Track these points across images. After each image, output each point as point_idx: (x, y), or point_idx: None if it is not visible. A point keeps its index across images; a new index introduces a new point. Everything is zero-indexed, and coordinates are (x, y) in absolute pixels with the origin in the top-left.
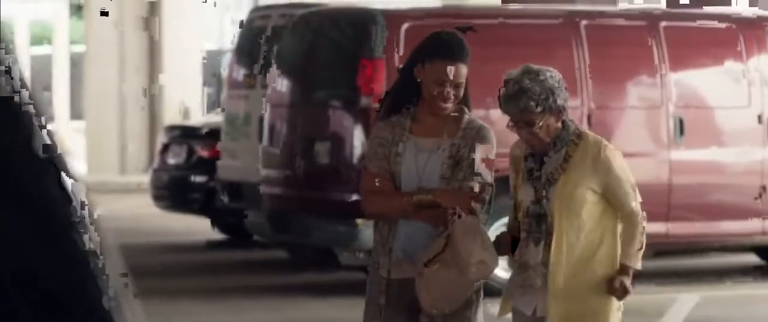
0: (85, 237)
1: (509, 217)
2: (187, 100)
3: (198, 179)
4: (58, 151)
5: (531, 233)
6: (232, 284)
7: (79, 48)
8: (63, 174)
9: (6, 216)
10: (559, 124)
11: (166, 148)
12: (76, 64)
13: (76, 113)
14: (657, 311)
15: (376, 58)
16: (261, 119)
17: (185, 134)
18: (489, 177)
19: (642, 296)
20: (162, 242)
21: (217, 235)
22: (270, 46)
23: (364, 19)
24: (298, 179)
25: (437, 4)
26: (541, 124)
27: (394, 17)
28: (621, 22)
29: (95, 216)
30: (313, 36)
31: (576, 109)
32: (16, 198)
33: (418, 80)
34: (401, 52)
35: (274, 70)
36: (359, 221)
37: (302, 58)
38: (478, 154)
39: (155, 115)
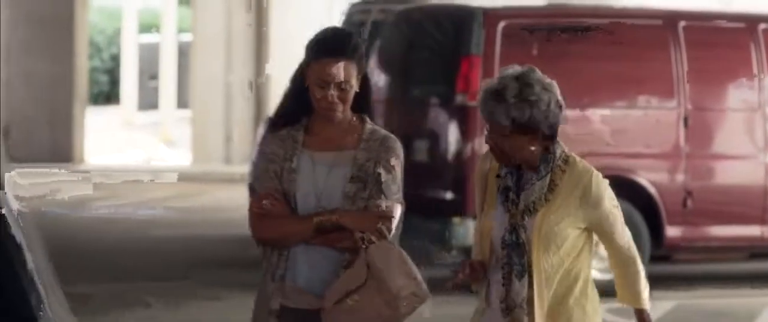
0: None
1: (474, 242)
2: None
3: None
4: None
5: (512, 266)
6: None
7: (186, 37)
8: None
9: None
10: (534, 148)
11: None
12: (184, 52)
13: (182, 102)
14: (749, 314)
15: (473, 56)
16: None
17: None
18: (398, 194)
19: (735, 299)
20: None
21: None
22: (369, 42)
23: (462, 16)
24: None
25: (542, 2)
26: (510, 140)
27: (491, 15)
28: (720, 23)
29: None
30: (411, 32)
31: (673, 110)
32: None
33: (307, 85)
34: (498, 51)
35: (372, 65)
36: (456, 219)
37: (400, 54)
38: (383, 168)
39: (261, 104)
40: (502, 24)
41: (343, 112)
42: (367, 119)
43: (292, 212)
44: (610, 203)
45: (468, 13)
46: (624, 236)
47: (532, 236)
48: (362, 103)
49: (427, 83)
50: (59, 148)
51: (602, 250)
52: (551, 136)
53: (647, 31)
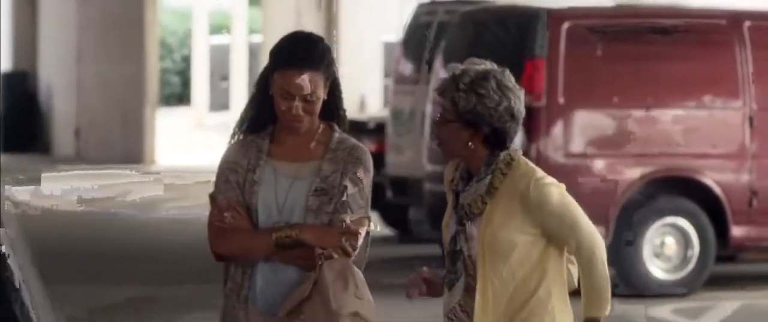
0: None
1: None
2: (364, 92)
3: None
4: None
5: (452, 273)
6: (391, 280)
7: (257, 37)
8: None
9: None
10: (474, 146)
11: None
12: (254, 53)
13: None
14: None
15: (537, 58)
16: (425, 115)
17: (352, 128)
18: (365, 208)
19: None
20: None
21: (385, 230)
22: (435, 42)
23: (526, 17)
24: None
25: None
26: (447, 128)
27: (555, 16)
28: None
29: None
30: (476, 33)
31: (737, 110)
32: None
33: (271, 93)
34: (562, 52)
35: (438, 65)
36: None
37: (466, 54)
38: (350, 181)
39: None
40: (566, 25)
41: (309, 123)
42: (336, 128)
43: (254, 225)
44: (560, 204)
45: (532, 14)
46: (573, 235)
47: (476, 245)
48: (331, 110)
49: None
50: (130, 150)
51: (668, 251)
52: (496, 141)
53: (712, 32)
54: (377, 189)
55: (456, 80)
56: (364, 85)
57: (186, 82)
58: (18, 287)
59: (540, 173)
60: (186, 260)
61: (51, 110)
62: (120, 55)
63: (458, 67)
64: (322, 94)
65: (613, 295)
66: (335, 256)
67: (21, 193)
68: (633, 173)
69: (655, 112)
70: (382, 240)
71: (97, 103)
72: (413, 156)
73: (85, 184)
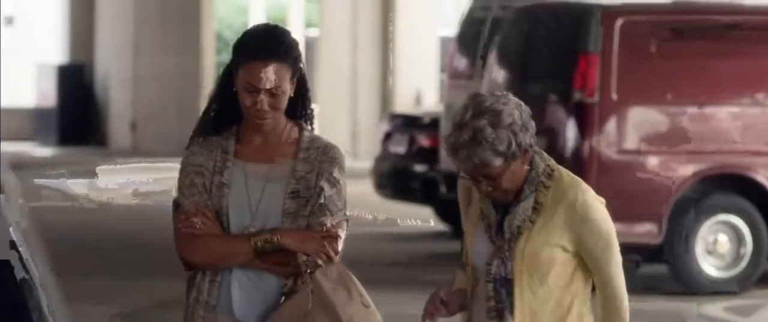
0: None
1: (461, 264)
2: (421, 86)
3: (419, 168)
4: None
5: (500, 302)
6: (443, 275)
7: (313, 31)
8: None
9: None
10: (527, 166)
11: (388, 136)
12: (311, 47)
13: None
14: None
15: (591, 54)
16: None
17: (407, 123)
18: (344, 209)
19: None
20: (387, 231)
21: (439, 225)
22: (489, 37)
23: (580, 13)
24: None
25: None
26: (506, 175)
27: (609, 12)
28: None
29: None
30: (530, 29)
31: None
32: None
33: (235, 89)
34: (616, 48)
35: (492, 61)
36: None
37: (520, 50)
38: (327, 182)
39: (387, 99)
40: (620, 21)
41: (274, 119)
42: (305, 126)
43: (224, 231)
44: (603, 224)
45: (586, 10)
46: (610, 265)
47: (514, 265)
48: (299, 108)
49: (546, 80)
50: (186, 143)
51: (720, 248)
52: (533, 158)
53: (767, 28)
54: (431, 184)
55: (474, 133)
56: (420, 80)
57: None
58: (34, 287)
59: (585, 185)
60: None
61: (107, 103)
62: (177, 48)
63: (461, 119)
64: (288, 88)
65: (666, 293)
66: (319, 262)
67: (77, 186)
68: (686, 170)
69: (709, 109)
70: (436, 235)
71: (153, 95)
72: None
73: (141, 177)
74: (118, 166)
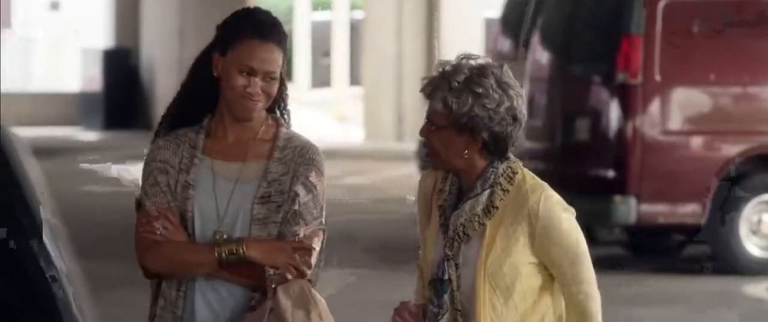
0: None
1: (417, 276)
2: None
3: None
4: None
5: (436, 306)
6: None
7: (358, 14)
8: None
9: None
10: (483, 160)
11: None
12: (356, 29)
13: (355, 79)
14: None
15: (633, 35)
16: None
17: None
18: (320, 218)
19: None
20: None
21: None
22: (533, 19)
23: None
24: (555, 153)
25: None
26: (439, 134)
27: None
28: None
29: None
30: (573, 10)
31: None
32: None
33: (216, 76)
34: (659, 29)
35: (535, 42)
36: (617, 197)
37: (563, 31)
38: (303, 186)
39: None
40: (663, 2)
41: (261, 110)
42: (283, 122)
43: (189, 236)
44: (569, 234)
45: None
46: (578, 280)
47: (475, 277)
48: (278, 103)
49: (589, 61)
50: None
51: (764, 228)
52: (496, 149)
53: None
54: None
55: (447, 78)
56: None
57: (288, 59)
58: (60, 280)
59: (550, 190)
60: None
61: (152, 87)
62: None
63: (449, 63)
64: (279, 74)
65: (709, 273)
66: (289, 276)
67: (122, 170)
68: (730, 150)
69: (752, 89)
70: None
71: None
72: None
73: None
74: None
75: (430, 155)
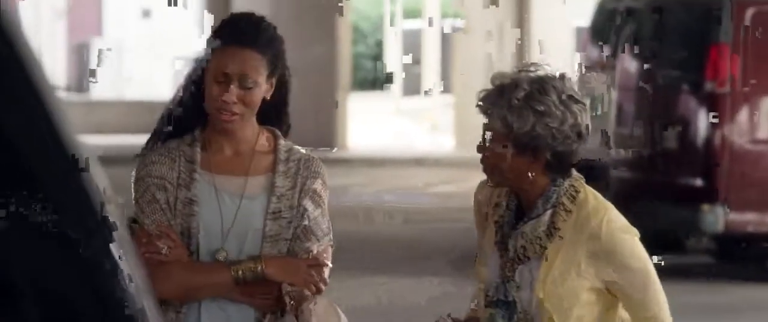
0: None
1: (476, 290)
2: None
3: None
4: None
5: None
6: None
7: (449, 22)
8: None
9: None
10: (545, 178)
11: None
12: (447, 37)
13: (446, 87)
14: None
15: (722, 43)
16: (611, 100)
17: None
18: (329, 233)
19: None
20: None
21: None
22: (621, 28)
23: (711, 4)
24: (644, 162)
25: None
26: (501, 153)
27: (740, 3)
28: None
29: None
30: (662, 19)
31: None
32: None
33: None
34: (747, 38)
35: (624, 51)
36: (705, 206)
37: (651, 40)
38: (311, 200)
39: None
40: (751, 11)
41: (242, 119)
42: (280, 135)
43: (191, 255)
44: (635, 257)
45: (717, 0)
46: (656, 308)
47: (533, 298)
48: (274, 114)
49: (678, 70)
50: (323, 135)
51: None
52: (559, 168)
53: None
54: None
55: (506, 94)
56: (558, 69)
57: (380, 67)
58: (120, 265)
59: (613, 212)
60: (371, 247)
61: None
62: (313, 40)
63: (506, 76)
64: (262, 84)
65: None
66: (307, 293)
67: None
68: None
69: None
70: None
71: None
72: (600, 142)
73: None
74: None
75: (489, 174)
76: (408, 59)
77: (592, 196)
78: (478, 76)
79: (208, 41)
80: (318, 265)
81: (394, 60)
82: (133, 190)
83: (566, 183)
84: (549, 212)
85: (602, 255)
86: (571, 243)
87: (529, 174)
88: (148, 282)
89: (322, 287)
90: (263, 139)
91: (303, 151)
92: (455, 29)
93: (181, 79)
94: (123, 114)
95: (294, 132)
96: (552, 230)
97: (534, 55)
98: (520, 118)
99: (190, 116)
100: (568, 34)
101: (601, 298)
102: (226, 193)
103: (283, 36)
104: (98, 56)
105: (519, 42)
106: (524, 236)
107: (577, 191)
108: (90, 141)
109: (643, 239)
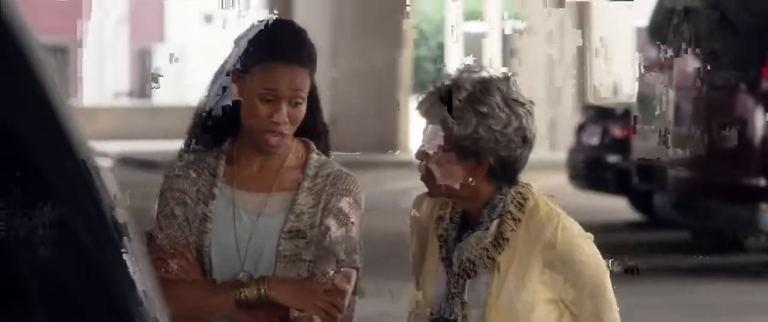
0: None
1: (410, 312)
2: (618, 78)
3: (612, 158)
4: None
5: None
6: (639, 264)
7: (511, 24)
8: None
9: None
10: (489, 185)
11: (581, 127)
12: (508, 40)
13: None
14: None
15: None
16: (670, 100)
17: (600, 114)
18: (353, 255)
19: None
20: (582, 220)
21: (633, 215)
22: (680, 27)
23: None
24: (701, 162)
25: None
26: (438, 158)
27: None
28: None
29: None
30: (721, 18)
31: None
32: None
33: (238, 99)
34: None
35: (682, 50)
36: (763, 205)
37: (709, 39)
38: (334, 219)
39: (585, 91)
40: None
41: (289, 137)
42: (313, 147)
43: (205, 275)
44: (590, 265)
45: None
46: (602, 318)
47: (486, 317)
48: (308, 123)
49: (735, 70)
50: (385, 137)
51: None
52: (504, 174)
53: None
54: (624, 174)
55: (447, 95)
56: (618, 72)
57: (442, 70)
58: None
59: (567, 219)
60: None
61: None
62: (375, 43)
63: (447, 77)
64: (306, 97)
65: None
66: (317, 320)
67: None
68: None
69: None
70: (629, 225)
71: (352, 90)
72: (658, 142)
73: None
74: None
75: (427, 182)
76: (469, 61)
77: (542, 203)
78: (540, 77)
79: (252, 56)
80: (333, 290)
81: (455, 62)
82: (157, 203)
83: (513, 191)
84: (496, 221)
85: (558, 264)
86: (524, 254)
87: (470, 180)
88: (161, 298)
89: (337, 313)
90: (295, 153)
91: (337, 166)
92: (516, 30)
93: (213, 88)
94: (186, 119)
95: (356, 134)
96: (500, 240)
97: (595, 56)
98: (460, 120)
99: (223, 129)
100: (629, 34)
101: (558, 310)
102: (244, 210)
103: (346, 39)
104: (168, 60)
105: (580, 43)
106: (470, 249)
107: (525, 198)
108: (154, 146)
109: (701, 238)
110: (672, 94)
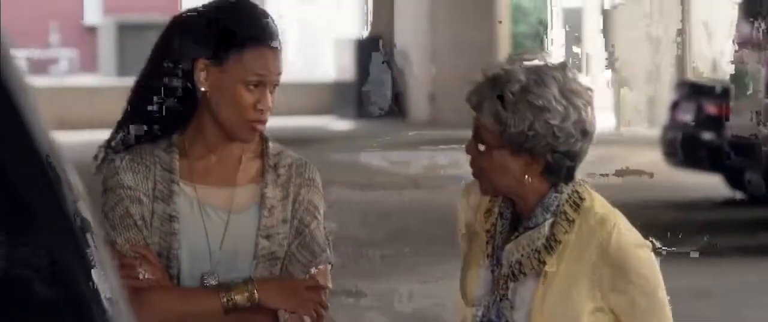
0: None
1: (462, 312)
2: (716, 55)
3: (706, 136)
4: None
5: None
6: (730, 243)
7: (609, 2)
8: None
9: None
10: (545, 183)
11: (676, 105)
12: (608, 15)
13: (607, 65)
14: None
15: None
16: (761, 78)
17: (695, 91)
18: (327, 250)
19: None
20: (675, 198)
21: (726, 191)
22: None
23: None
24: None
25: None
26: (490, 155)
27: None
28: None
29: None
30: None
31: None
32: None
33: (203, 90)
34: None
35: None
36: None
37: None
38: (308, 213)
39: (685, 66)
40: None
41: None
42: (268, 137)
43: (172, 279)
44: (645, 276)
45: None
46: None
47: (524, 317)
48: None
49: None
50: None
51: None
52: (561, 171)
53: None
54: (719, 152)
55: (499, 87)
56: (718, 48)
57: (542, 46)
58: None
59: (625, 222)
60: None
61: (406, 75)
62: (474, 20)
63: (498, 66)
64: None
65: None
66: (307, 320)
67: (374, 158)
68: None
69: None
70: (724, 203)
71: (450, 67)
72: (752, 118)
73: (439, 153)
74: (415, 140)
75: (479, 178)
76: (567, 32)
77: (599, 204)
78: (640, 53)
79: (228, 42)
80: (317, 287)
81: (556, 38)
82: (103, 201)
83: (569, 189)
84: (549, 221)
85: (609, 270)
86: (575, 258)
87: (526, 178)
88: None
89: (323, 311)
90: (251, 143)
91: (295, 155)
92: (616, 6)
93: (151, 80)
94: (285, 96)
95: (455, 114)
96: (552, 242)
97: (695, 30)
98: (514, 114)
99: (176, 119)
100: (729, 8)
101: (607, 319)
102: (211, 207)
103: (444, 16)
104: None
105: (680, 18)
106: (520, 249)
107: (581, 198)
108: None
109: None
110: (763, 71)
